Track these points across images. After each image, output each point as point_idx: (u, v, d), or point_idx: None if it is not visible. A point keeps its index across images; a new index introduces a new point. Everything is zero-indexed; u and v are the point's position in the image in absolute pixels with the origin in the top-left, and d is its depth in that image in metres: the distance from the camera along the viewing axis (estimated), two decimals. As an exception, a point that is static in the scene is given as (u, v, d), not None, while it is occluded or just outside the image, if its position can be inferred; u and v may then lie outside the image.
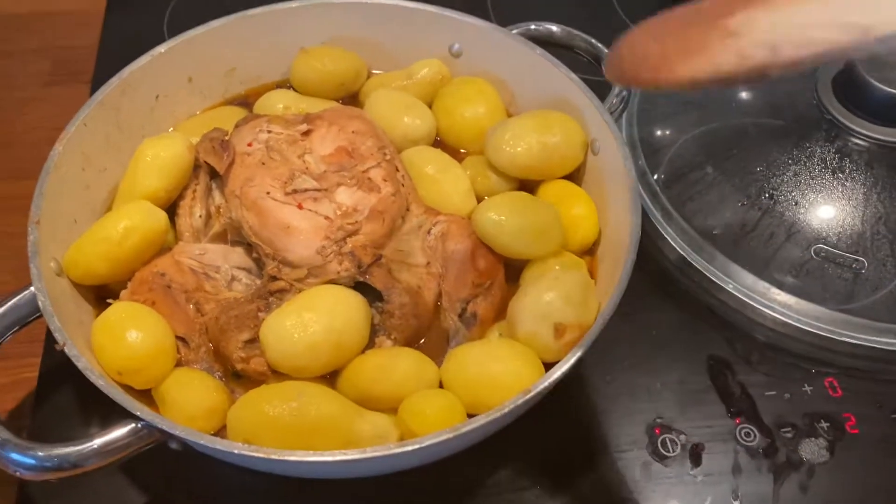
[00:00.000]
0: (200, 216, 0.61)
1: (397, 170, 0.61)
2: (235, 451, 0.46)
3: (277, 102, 0.68)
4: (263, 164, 0.58)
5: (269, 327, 0.53)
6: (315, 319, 0.52)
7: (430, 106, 0.70)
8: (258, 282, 0.59)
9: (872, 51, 0.37)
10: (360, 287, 0.56)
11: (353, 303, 0.54)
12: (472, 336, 0.57)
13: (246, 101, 0.73)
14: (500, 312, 0.59)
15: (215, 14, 0.70)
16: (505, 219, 0.58)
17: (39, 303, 0.52)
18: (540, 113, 0.65)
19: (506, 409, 0.48)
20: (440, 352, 0.57)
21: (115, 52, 0.85)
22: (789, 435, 0.60)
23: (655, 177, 0.72)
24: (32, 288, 0.53)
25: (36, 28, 0.90)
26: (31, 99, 0.83)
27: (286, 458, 0.46)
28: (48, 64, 0.86)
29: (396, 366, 0.53)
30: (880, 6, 0.36)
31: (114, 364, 0.52)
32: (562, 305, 0.54)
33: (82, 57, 0.86)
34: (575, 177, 0.66)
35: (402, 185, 0.60)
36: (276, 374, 0.54)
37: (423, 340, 0.58)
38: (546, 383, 0.49)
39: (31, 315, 0.54)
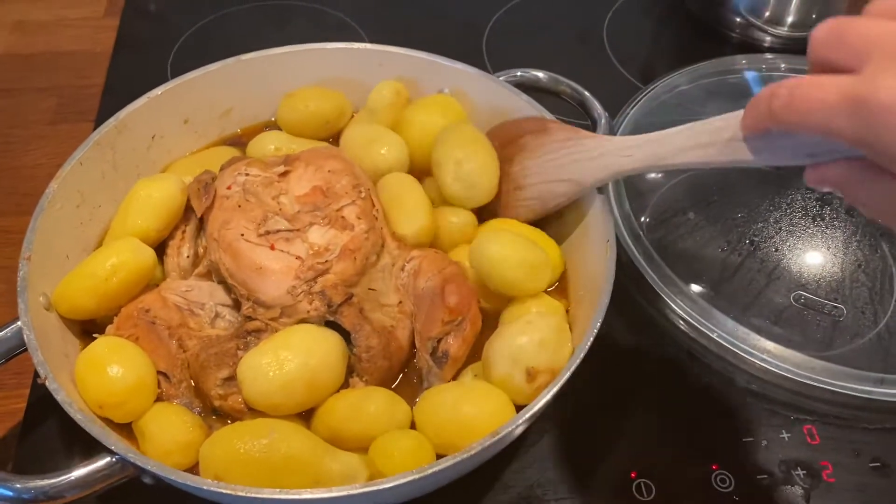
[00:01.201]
0: (188, 256, 0.62)
1: (373, 205, 0.62)
2: (204, 487, 0.47)
3: (269, 144, 0.71)
4: (240, 206, 0.60)
5: (246, 365, 0.54)
6: (290, 358, 0.53)
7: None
8: (241, 319, 0.60)
9: (587, 191, 0.61)
10: (340, 326, 0.58)
11: (329, 342, 0.55)
12: (444, 375, 0.58)
13: (241, 141, 0.75)
14: (474, 350, 0.59)
15: (218, 56, 0.73)
16: (508, 253, 0.59)
17: (25, 336, 0.54)
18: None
19: (472, 452, 0.48)
20: (415, 391, 0.58)
21: (119, 92, 0.88)
22: (765, 482, 0.59)
23: (640, 220, 0.73)
24: (20, 322, 0.54)
25: (44, 67, 0.94)
26: (37, 136, 0.86)
27: (253, 495, 0.46)
28: (55, 102, 0.89)
29: (367, 405, 0.54)
30: (582, 169, 0.60)
31: (95, 398, 0.54)
32: (534, 350, 0.54)
33: (88, 96, 0.90)
34: (556, 218, 0.67)
35: (378, 221, 0.61)
36: (253, 412, 0.55)
37: (398, 382, 0.59)
38: (513, 427, 0.50)
39: (18, 348, 0.55)
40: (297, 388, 0.53)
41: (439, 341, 0.58)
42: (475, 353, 0.59)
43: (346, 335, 0.57)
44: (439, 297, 0.58)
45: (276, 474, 0.50)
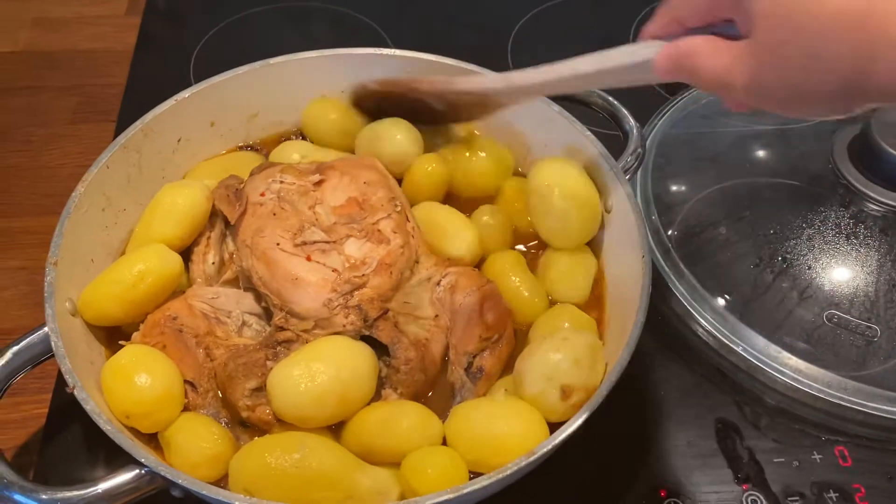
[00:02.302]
0: (213, 263, 0.62)
1: (408, 220, 0.61)
2: (237, 503, 0.46)
3: (293, 152, 0.69)
4: (274, 214, 0.59)
5: (277, 376, 0.53)
6: (322, 370, 0.52)
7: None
8: (269, 328, 0.59)
9: (513, 91, 0.63)
10: (369, 339, 0.57)
11: (360, 355, 0.55)
12: (477, 391, 0.57)
13: (264, 147, 0.74)
14: (508, 367, 0.59)
15: (240, 59, 0.72)
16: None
17: (52, 344, 0.53)
18: None
19: (508, 472, 0.47)
20: (446, 405, 0.57)
21: (141, 92, 0.87)
22: (797, 504, 0.59)
23: (669, 233, 0.72)
24: (46, 328, 0.54)
25: (65, 65, 0.93)
26: (57, 135, 0.85)
27: (287, 512, 0.46)
28: (75, 101, 0.89)
29: (400, 420, 0.53)
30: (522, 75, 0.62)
31: (122, 407, 0.53)
32: (569, 367, 0.53)
33: (109, 95, 0.89)
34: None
35: (413, 236, 0.61)
36: (282, 424, 0.54)
37: (430, 394, 0.58)
38: (549, 447, 0.49)
39: (44, 354, 0.54)
40: (328, 401, 0.52)
41: (475, 357, 0.57)
42: (506, 368, 0.59)
43: (375, 347, 0.56)
44: (477, 314, 0.58)
45: (306, 489, 0.49)
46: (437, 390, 0.59)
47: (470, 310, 0.58)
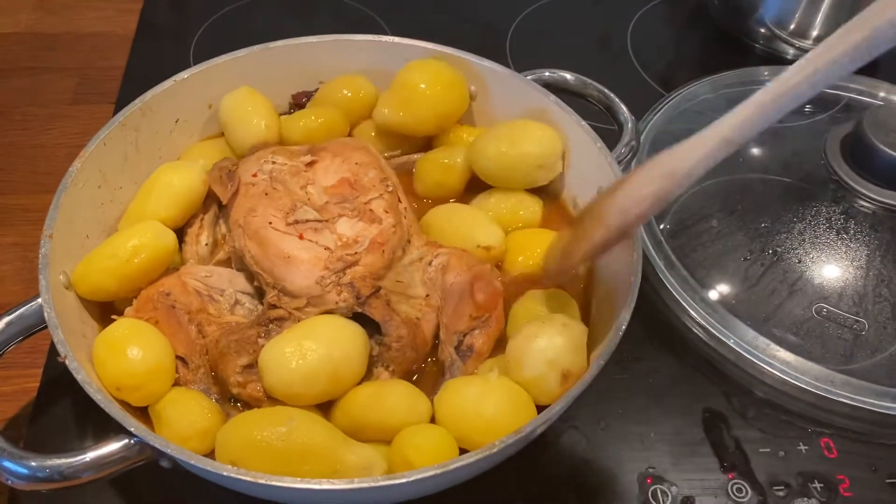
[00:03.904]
0: (206, 244, 0.62)
1: (400, 200, 0.62)
2: (224, 473, 0.46)
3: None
4: (267, 194, 0.59)
5: (269, 353, 0.53)
6: (314, 348, 0.53)
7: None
8: (261, 307, 0.60)
9: (683, 186, 0.49)
10: (361, 319, 0.57)
11: (352, 334, 0.55)
12: (467, 368, 0.57)
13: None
14: (497, 345, 0.59)
15: (241, 43, 0.72)
16: None
17: (45, 314, 0.53)
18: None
19: (495, 449, 0.48)
20: (436, 383, 0.58)
21: (140, 75, 0.88)
22: (782, 493, 0.59)
23: (661, 226, 0.73)
24: (40, 299, 0.54)
25: (66, 47, 0.93)
26: (56, 116, 0.85)
27: (274, 483, 0.46)
28: (75, 83, 0.89)
29: (388, 396, 0.53)
30: (676, 157, 0.49)
31: (113, 379, 0.53)
32: (571, 353, 0.54)
33: (109, 78, 0.89)
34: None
35: (404, 216, 0.61)
36: (272, 401, 0.54)
37: (416, 376, 0.59)
38: (538, 424, 0.49)
39: (37, 326, 0.55)
40: (319, 379, 0.52)
41: (465, 335, 0.58)
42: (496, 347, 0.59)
43: (367, 327, 0.57)
44: (468, 294, 0.58)
45: (292, 463, 0.49)
46: (426, 369, 0.59)
47: (461, 290, 0.59)
